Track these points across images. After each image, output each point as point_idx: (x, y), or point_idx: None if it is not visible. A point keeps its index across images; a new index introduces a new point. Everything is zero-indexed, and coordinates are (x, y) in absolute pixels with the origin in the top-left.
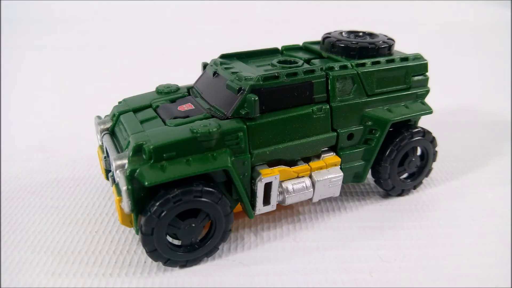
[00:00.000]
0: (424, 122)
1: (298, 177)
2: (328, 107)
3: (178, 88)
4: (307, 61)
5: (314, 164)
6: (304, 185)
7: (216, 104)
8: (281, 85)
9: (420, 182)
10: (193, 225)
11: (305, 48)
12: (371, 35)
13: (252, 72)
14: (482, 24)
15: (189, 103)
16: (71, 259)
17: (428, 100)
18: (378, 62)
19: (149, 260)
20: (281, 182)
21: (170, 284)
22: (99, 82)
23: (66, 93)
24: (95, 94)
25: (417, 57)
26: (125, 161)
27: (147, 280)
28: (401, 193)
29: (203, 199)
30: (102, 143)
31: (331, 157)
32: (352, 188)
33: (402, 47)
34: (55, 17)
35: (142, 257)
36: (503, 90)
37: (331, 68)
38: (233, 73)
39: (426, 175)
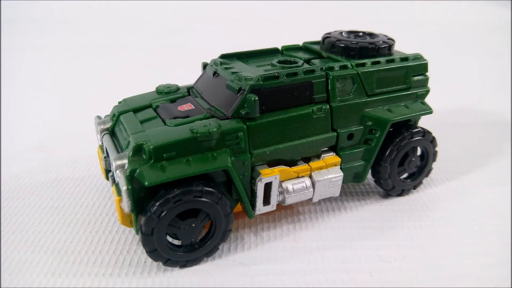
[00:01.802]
0: (424, 122)
1: (298, 177)
2: (328, 107)
3: (178, 88)
4: (307, 61)
5: (314, 164)
6: (304, 185)
7: (216, 104)
8: (281, 85)
9: (420, 182)
10: (193, 225)
11: (305, 48)
12: (371, 35)
13: (252, 72)
14: (482, 24)
15: (189, 103)
16: (71, 259)
17: (428, 100)
18: (378, 62)
19: (149, 260)
20: (281, 182)
21: (170, 284)
22: (99, 82)
23: (66, 93)
24: (95, 94)
25: (417, 57)
26: (125, 161)
27: (147, 280)
28: (401, 193)
29: (203, 199)
30: (102, 143)
31: (331, 157)
32: (352, 188)
33: (402, 47)
34: (55, 17)
35: (142, 257)
36: (503, 90)
37: (331, 68)
38: (233, 73)
39: (426, 175)
